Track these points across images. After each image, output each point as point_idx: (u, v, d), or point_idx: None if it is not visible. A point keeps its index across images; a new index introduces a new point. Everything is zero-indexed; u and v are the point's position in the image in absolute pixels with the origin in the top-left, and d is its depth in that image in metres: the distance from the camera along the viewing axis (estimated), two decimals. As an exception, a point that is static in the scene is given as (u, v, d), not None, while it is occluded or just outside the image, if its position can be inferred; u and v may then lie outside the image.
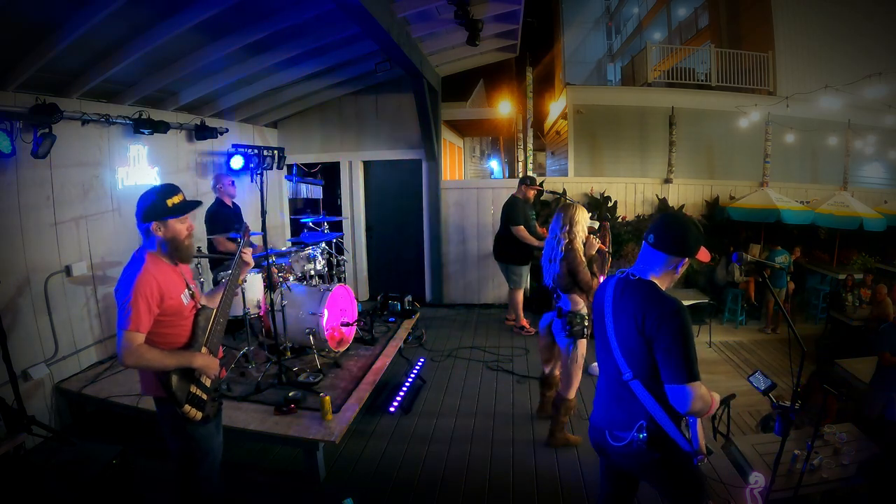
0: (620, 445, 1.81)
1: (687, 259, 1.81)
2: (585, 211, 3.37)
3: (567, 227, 3.26)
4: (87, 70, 3.59)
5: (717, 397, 1.77)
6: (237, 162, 5.30)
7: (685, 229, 1.80)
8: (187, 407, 2.00)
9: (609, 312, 1.85)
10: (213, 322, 2.18)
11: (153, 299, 1.93)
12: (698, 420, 1.78)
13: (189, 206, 2.08)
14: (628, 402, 1.79)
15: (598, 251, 3.45)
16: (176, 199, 2.03)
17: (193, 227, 2.15)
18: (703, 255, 1.83)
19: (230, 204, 4.67)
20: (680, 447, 1.75)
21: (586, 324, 3.24)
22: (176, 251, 2.07)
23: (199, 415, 2.05)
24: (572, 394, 3.33)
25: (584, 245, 3.31)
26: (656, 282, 1.80)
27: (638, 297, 1.77)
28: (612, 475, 2.06)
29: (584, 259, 3.25)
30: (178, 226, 2.05)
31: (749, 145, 7.79)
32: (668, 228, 1.81)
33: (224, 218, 4.45)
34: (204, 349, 2.12)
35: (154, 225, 2.00)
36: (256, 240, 4.59)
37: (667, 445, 1.75)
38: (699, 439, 1.77)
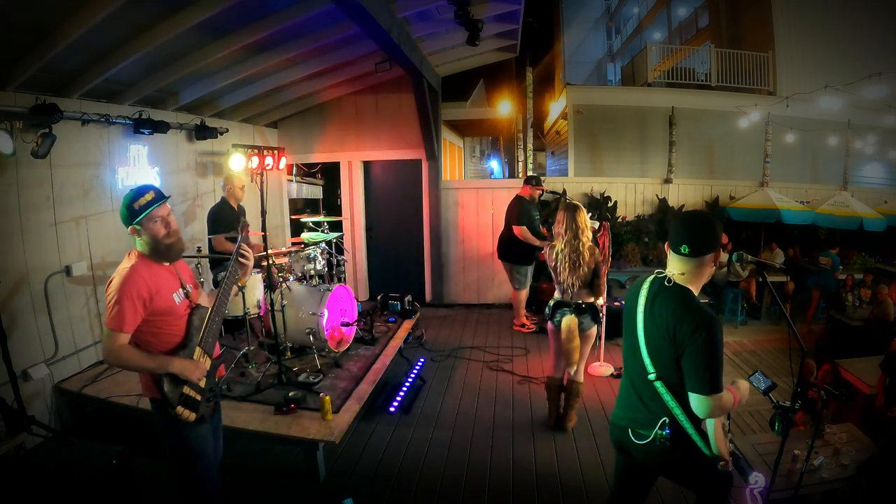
0: (643, 443, 1.82)
1: (720, 250, 1.82)
2: (584, 211, 3.54)
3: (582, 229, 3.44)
4: (87, 70, 3.59)
5: (743, 387, 1.81)
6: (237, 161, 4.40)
7: (712, 227, 1.80)
8: (180, 408, 1.99)
9: (640, 313, 1.84)
10: (208, 321, 2.15)
11: (139, 299, 1.91)
12: (716, 427, 1.78)
13: (151, 203, 1.98)
14: (652, 401, 1.80)
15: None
16: (142, 201, 1.97)
17: (174, 225, 2.07)
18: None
19: (235, 206, 4.65)
20: (700, 448, 1.77)
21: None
22: (156, 252, 2.03)
23: (193, 416, 2.03)
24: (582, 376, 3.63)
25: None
26: (692, 287, 1.79)
27: (673, 305, 1.75)
28: (628, 474, 2.06)
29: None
30: (153, 225, 1.99)
31: (749, 145, 7.79)
32: (699, 234, 1.78)
33: (225, 219, 4.43)
34: (198, 349, 2.10)
35: (131, 230, 2.01)
36: (256, 240, 4.60)
37: (690, 444, 1.77)
38: (719, 445, 1.78)
